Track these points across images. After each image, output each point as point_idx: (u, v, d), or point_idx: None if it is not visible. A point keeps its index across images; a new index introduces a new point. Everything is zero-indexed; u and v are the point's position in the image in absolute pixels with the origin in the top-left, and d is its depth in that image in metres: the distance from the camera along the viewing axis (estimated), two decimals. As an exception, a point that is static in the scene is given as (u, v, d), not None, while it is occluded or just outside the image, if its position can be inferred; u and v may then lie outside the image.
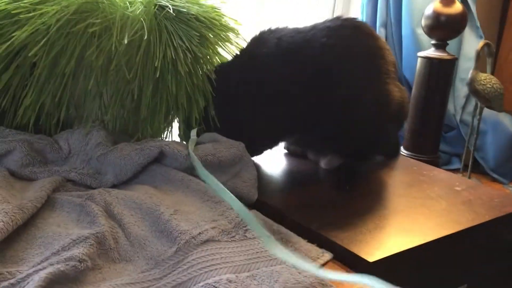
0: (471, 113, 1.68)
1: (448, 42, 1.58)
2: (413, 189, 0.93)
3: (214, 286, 0.54)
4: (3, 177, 0.71)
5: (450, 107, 1.83)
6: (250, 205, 0.79)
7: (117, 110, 0.84)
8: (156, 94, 0.85)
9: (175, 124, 0.94)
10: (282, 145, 1.06)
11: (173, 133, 0.94)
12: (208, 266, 0.58)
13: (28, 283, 0.51)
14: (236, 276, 0.56)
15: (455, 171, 1.80)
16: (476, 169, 1.82)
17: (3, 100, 0.80)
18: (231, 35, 0.92)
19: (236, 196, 0.78)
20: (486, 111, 1.68)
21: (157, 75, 0.80)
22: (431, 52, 1.57)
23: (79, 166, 0.79)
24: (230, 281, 0.55)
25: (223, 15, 0.91)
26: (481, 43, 1.58)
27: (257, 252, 0.62)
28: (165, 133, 0.92)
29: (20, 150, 0.77)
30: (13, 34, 0.74)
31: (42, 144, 0.80)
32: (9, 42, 0.74)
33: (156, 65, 0.79)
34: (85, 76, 0.80)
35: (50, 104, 0.81)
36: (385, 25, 1.82)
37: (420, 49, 1.66)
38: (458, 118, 1.85)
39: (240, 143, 0.83)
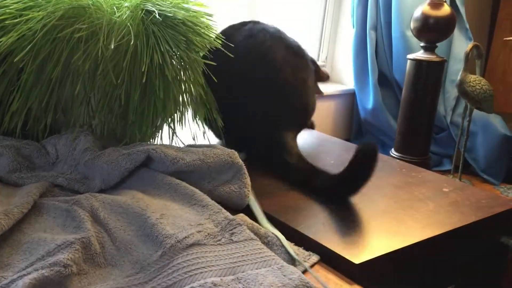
0: (461, 115, 1.69)
1: (437, 44, 1.59)
2: (401, 191, 0.94)
3: (199, 290, 0.54)
4: (-10, 183, 0.71)
5: (441, 108, 1.84)
6: (240, 210, 0.79)
7: (104, 115, 0.84)
8: (144, 99, 0.85)
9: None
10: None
11: (162, 137, 0.94)
12: (193, 270, 0.58)
13: (12, 289, 0.51)
14: (221, 279, 0.56)
15: (446, 172, 1.81)
16: (467, 170, 1.83)
17: (-10, 106, 0.80)
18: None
19: (226, 202, 0.78)
20: (476, 113, 1.70)
21: (144, 80, 0.80)
22: (420, 55, 1.58)
23: (67, 171, 0.79)
24: (215, 285, 0.55)
25: (209, 19, 0.92)
26: (470, 45, 1.59)
27: (243, 256, 0.62)
28: (154, 137, 0.93)
29: (7, 155, 0.77)
30: (-1, 40, 0.74)
31: (29, 149, 0.80)
32: (-5, 49, 0.74)
33: (143, 70, 0.80)
34: (72, 81, 0.80)
35: (37, 109, 0.81)
36: (375, 28, 1.83)
37: (410, 52, 1.67)
38: (448, 119, 1.86)
39: (232, 151, 0.83)
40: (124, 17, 0.81)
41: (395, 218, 0.82)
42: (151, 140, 0.91)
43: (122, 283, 0.57)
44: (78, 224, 0.64)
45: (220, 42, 0.93)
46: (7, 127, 0.82)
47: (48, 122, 0.82)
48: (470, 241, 0.88)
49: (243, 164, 0.84)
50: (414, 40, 1.70)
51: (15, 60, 0.74)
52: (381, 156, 1.15)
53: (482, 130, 1.81)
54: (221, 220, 0.69)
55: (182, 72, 0.88)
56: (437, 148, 1.90)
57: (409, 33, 1.70)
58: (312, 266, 0.69)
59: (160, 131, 0.92)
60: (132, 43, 0.80)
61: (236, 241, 0.65)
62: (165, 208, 0.70)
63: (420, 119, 1.62)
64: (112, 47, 0.78)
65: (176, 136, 0.92)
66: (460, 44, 1.84)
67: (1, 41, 0.74)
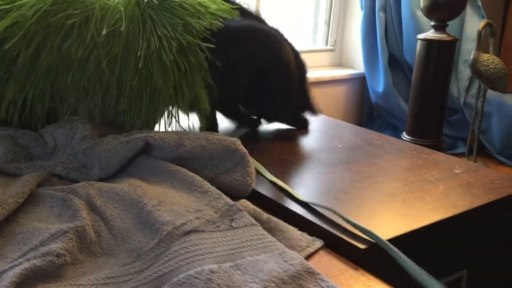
0: (475, 95, 1.65)
1: (448, 23, 1.54)
2: (410, 173, 0.91)
3: (195, 277, 0.52)
4: (-14, 174, 0.70)
5: (454, 89, 1.79)
6: (243, 197, 0.77)
7: (101, 102, 0.82)
8: (141, 85, 0.83)
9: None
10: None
11: (161, 124, 0.92)
12: (190, 257, 0.56)
13: (2, 279, 0.49)
14: (219, 266, 0.54)
15: (460, 155, 1.77)
16: (482, 152, 1.78)
17: (-14, 96, 0.79)
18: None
19: (229, 191, 0.76)
20: (490, 93, 1.65)
21: (140, 65, 0.78)
22: (431, 34, 1.53)
23: (65, 160, 0.78)
24: (212, 272, 0.53)
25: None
26: (482, 23, 1.54)
27: (242, 242, 0.60)
28: (154, 125, 0.91)
29: (4, 145, 0.75)
30: (-9, 28, 0.73)
31: (26, 139, 0.78)
32: (-13, 36, 0.73)
33: (138, 55, 0.78)
34: (66, 68, 0.78)
35: (33, 98, 0.79)
36: (384, 9, 1.79)
37: (421, 32, 1.63)
38: (462, 100, 1.81)
39: (235, 139, 0.81)
40: (117, 1, 0.79)
41: (403, 201, 0.79)
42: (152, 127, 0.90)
43: (118, 272, 0.55)
44: (73, 213, 0.62)
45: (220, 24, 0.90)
46: (4, 117, 0.81)
47: (44, 110, 0.81)
48: (482, 224, 0.85)
49: (247, 152, 0.81)
50: (424, 20, 1.66)
51: (7, 46, 0.73)
52: (389, 139, 1.12)
53: (496, 110, 1.76)
54: (221, 206, 0.67)
55: (181, 57, 0.86)
56: (451, 131, 1.86)
57: (419, 13, 1.65)
58: (316, 251, 0.66)
59: (161, 117, 0.90)
60: (123, 28, 0.77)
61: (236, 227, 0.63)
62: (163, 195, 0.69)
63: (432, 101, 1.58)
64: (104, 33, 0.76)
65: (178, 122, 0.90)
66: (473, 23, 1.78)
67: (-7, 28, 0.73)
